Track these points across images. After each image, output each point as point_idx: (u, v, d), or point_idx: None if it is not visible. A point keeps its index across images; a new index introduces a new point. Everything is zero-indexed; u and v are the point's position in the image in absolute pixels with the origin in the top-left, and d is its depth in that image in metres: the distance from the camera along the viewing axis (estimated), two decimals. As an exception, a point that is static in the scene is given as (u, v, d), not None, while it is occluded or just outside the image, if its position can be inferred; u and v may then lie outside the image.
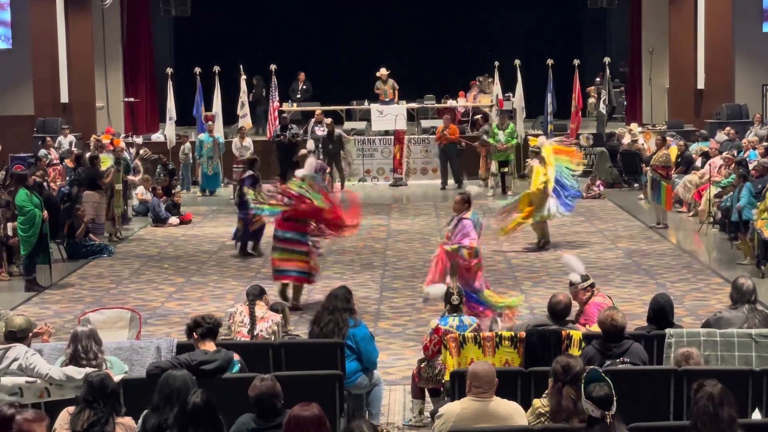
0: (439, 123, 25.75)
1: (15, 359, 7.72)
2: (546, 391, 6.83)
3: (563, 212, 16.90)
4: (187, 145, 24.42)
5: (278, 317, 9.81)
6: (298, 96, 28.04)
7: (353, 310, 9.22)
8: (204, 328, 7.83)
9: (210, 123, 24.41)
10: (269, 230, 15.11)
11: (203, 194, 23.95)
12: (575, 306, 9.44)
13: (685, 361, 7.69)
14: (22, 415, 4.82)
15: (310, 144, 21.60)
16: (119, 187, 19.12)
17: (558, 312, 8.66)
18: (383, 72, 26.33)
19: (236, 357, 7.90)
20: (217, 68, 25.41)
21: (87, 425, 6.61)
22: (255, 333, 9.49)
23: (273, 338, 9.45)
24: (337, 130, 23.87)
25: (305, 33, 32.17)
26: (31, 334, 8.08)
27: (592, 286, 9.40)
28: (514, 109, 25.80)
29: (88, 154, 19.31)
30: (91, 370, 7.36)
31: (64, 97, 26.52)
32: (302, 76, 28.47)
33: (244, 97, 25.91)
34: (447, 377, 8.25)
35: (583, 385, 5.84)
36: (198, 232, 19.53)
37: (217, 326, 8.00)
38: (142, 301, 13.85)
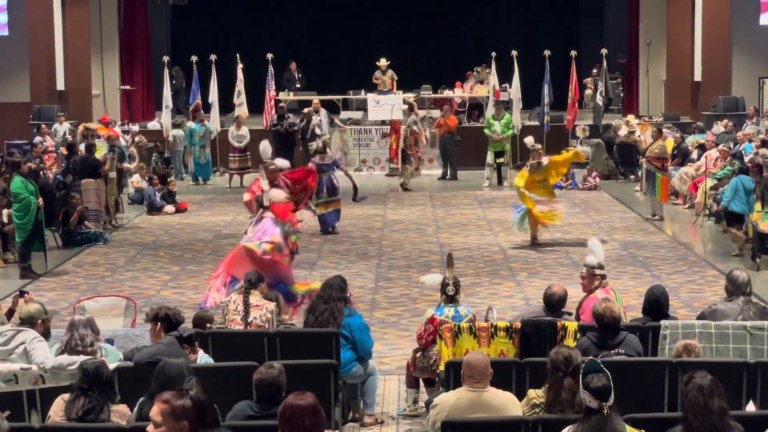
0: (435, 113, 25.71)
1: (22, 343, 7.77)
2: (546, 382, 6.78)
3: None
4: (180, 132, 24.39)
5: (272, 305, 9.79)
6: (297, 86, 28.01)
7: (348, 300, 9.21)
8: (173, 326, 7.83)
9: (200, 112, 24.38)
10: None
11: (196, 183, 23.91)
12: (576, 296, 9.43)
13: (686, 354, 7.67)
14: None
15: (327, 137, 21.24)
16: (113, 175, 19.10)
17: (552, 304, 8.66)
18: (383, 62, 26.26)
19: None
20: (213, 57, 25.37)
21: (82, 412, 6.63)
22: (249, 320, 9.46)
23: (267, 326, 9.43)
24: (328, 119, 23.69)
25: (303, 22, 32.13)
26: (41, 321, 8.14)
27: (603, 277, 9.33)
28: (510, 100, 25.78)
29: (84, 143, 19.28)
30: (86, 357, 7.36)
31: (60, 85, 26.44)
32: (293, 65, 28.45)
33: (240, 85, 25.87)
34: (442, 367, 8.25)
35: (581, 375, 5.82)
36: (194, 220, 19.50)
37: (179, 323, 7.96)
38: (137, 289, 13.84)
